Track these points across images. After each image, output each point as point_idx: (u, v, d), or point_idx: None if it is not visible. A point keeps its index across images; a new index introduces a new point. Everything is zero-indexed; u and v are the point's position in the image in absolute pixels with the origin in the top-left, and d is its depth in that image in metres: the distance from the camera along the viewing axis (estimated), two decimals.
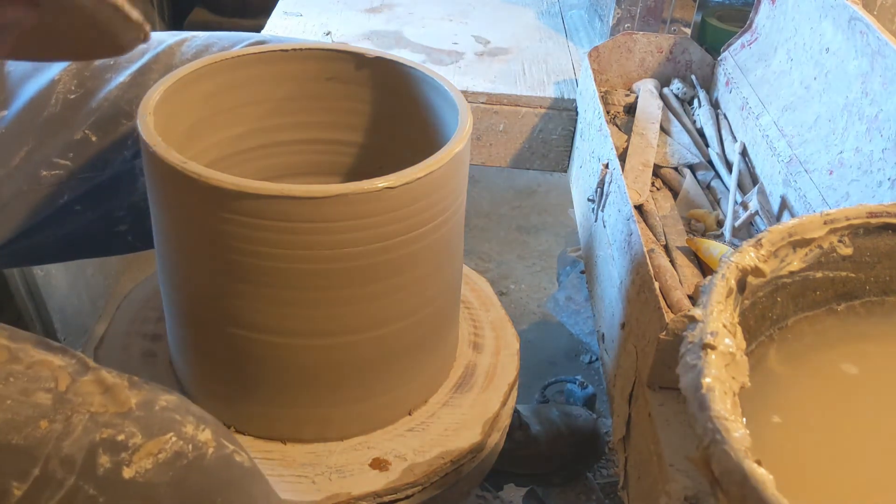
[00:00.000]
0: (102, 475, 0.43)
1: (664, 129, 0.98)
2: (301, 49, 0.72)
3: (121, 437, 0.44)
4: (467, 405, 0.71)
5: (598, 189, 0.84)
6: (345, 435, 0.67)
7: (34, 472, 0.42)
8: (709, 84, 1.05)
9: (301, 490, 0.62)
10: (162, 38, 0.76)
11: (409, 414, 0.69)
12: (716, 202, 0.87)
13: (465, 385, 0.73)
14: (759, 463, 0.32)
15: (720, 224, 0.82)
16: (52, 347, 0.46)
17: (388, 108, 0.75)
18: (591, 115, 0.95)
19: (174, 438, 0.46)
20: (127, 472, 0.44)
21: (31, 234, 0.73)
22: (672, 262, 0.77)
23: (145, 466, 0.44)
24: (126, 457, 0.44)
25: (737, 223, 0.80)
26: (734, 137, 0.94)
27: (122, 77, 0.72)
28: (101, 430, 0.44)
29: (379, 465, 0.64)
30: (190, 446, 0.47)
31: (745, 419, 0.35)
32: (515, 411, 0.93)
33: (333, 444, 0.66)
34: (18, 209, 0.70)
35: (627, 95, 1.04)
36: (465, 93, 1.05)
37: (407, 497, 0.64)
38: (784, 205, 0.80)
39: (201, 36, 0.77)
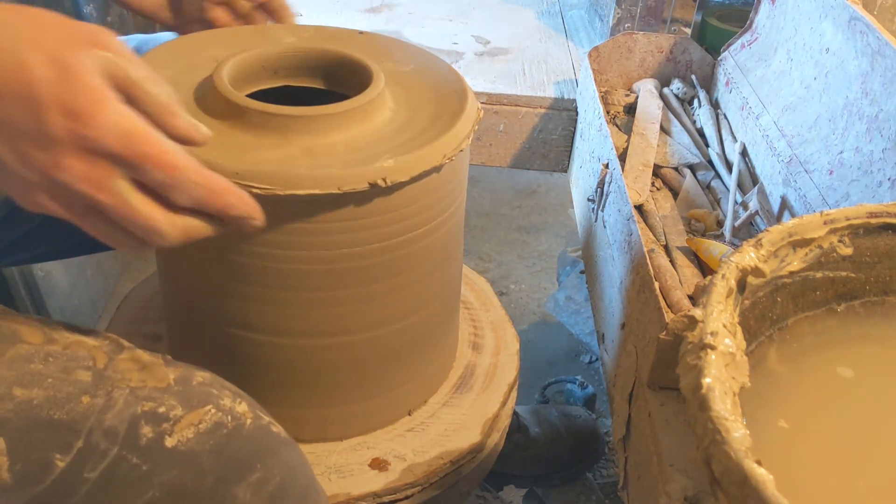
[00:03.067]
0: (145, 445, 0.44)
1: (664, 129, 0.98)
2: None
3: (162, 410, 0.45)
4: (467, 405, 0.71)
5: (598, 189, 0.84)
6: (344, 435, 0.66)
7: (77, 445, 0.43)
8: (709, 84, 1.05)
9: None
10: (164, 39, 0.76)
11: (409, 414, 0.69)
12: (716, 202, 0.87)
13: (465, 385, 0.73)
14: (759, 463, 0.32)
15: (720, 224, 0.82)
16: (83, 330, 0.47)
17: None
18: (591, 115, 0.95)
19: (213, 410, 0.47)
20: (169, 441, 0.45)
21: (42, 231, 0.74)
22: (672, 262, 0.77)
23: (187, 436, 0.45)
24: (168, 427, 0.45)
25: (737, 223, 0.80)
26: (734, 137, 0.94)
27: None
28: (142, 404, 0.45)
29: (378, 465, 0.64)
30: (229, 417, 0.48)
31: (744, 419, 0.35)
32: (514, 413, 0.93)
33: (333, 445, 0.66)
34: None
35: (627, 95, 1.04)
36: None
37: (406, 497, 0.64)
38: (784, 205, 0.80)
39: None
